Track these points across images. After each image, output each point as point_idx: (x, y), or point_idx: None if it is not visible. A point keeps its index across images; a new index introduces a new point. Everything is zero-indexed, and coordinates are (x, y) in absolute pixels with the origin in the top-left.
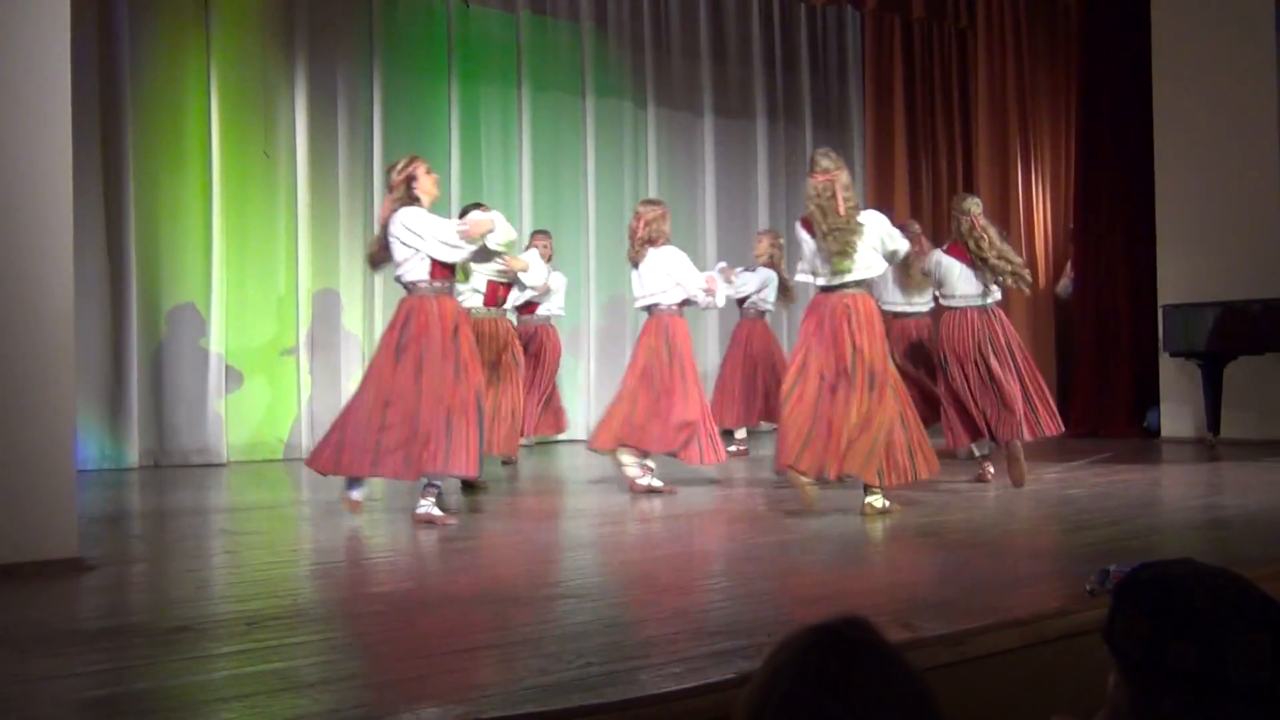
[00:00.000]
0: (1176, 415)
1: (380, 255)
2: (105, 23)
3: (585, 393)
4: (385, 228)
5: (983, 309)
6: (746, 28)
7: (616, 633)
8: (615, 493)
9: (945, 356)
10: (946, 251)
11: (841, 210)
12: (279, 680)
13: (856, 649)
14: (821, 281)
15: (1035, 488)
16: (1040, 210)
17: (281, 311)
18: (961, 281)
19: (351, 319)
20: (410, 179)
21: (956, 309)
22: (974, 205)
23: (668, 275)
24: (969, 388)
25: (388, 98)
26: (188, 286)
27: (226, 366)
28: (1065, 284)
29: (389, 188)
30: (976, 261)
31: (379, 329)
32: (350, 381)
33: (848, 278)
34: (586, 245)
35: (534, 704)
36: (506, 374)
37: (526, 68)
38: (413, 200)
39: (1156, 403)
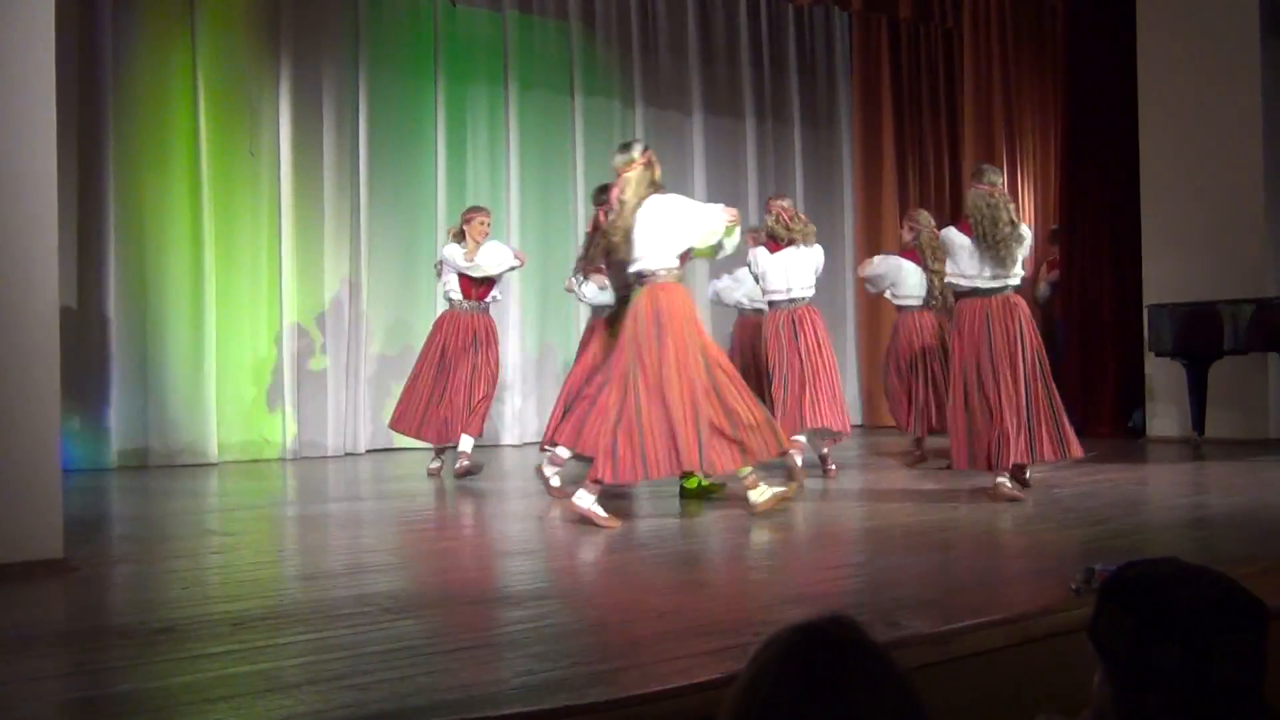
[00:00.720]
0: (1162, 415)
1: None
2: (88, 21)
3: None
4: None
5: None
6: (734, 27)
7: (602, 633)
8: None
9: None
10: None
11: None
12: (264, 681)
13: (842, 648)
14: (980, 284)
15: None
16: (1026, 211)
17: (267, 310)
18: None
19: (337, 317)
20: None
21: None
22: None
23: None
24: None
25: (373, 97)
26: (172, 285)
27: (211, 366)
28: (1043, 288)
29: None
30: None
31: (364, 327)
32: (338, 380)
33: (1010, 281)
34: (575, 245)
35: (519, 704)
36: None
37: (513, 67)
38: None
39: (1142, 402)
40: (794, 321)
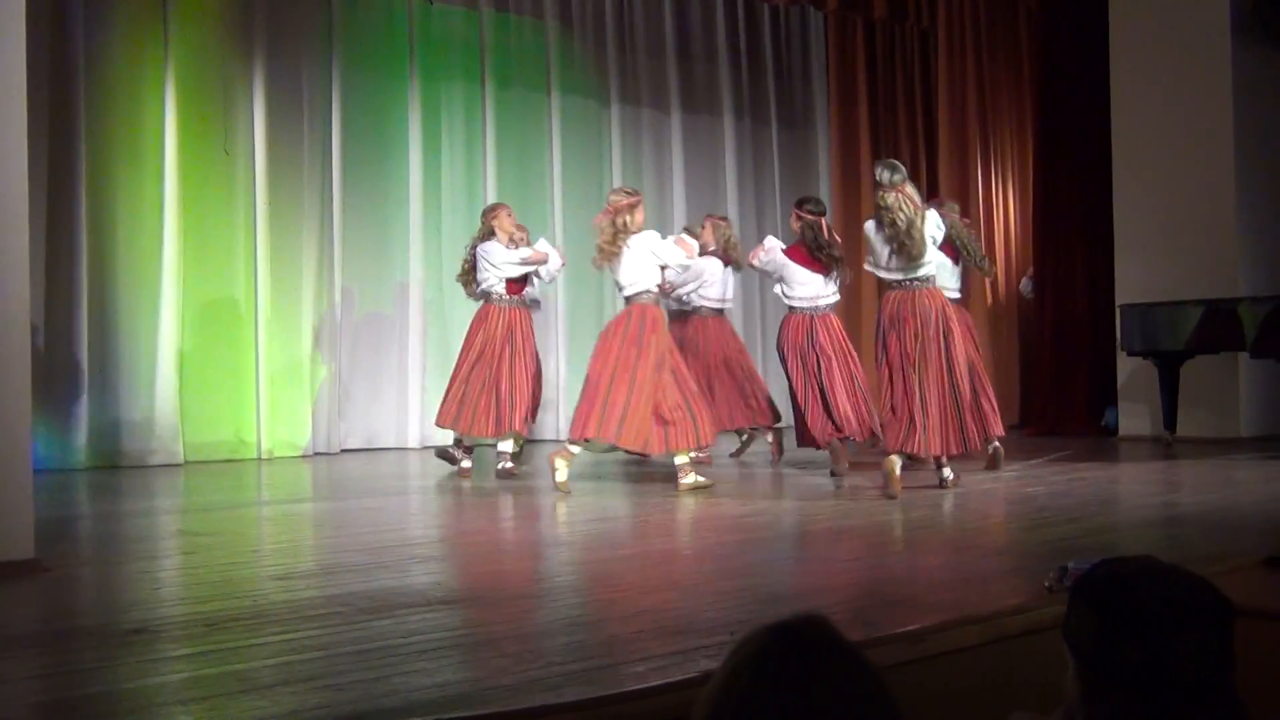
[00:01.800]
0: (1134, 414)
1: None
2: (59, 17)
3: (555, 387)
4: None
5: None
6: (711, 26)
7: (578, 632)
8: (581, 491)
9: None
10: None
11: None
12: (238, 682)
13: (815, 647)
14: (889, 276)
15: (995, 485)
16: (1001, 210)
17: (240, 309)
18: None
19: (311, 316)
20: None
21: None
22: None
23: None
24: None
25: (348, 96)
26: (145, 284)
27: (183, 365)
28: (1026, 283)
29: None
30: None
31: (339, 326)
32: (313, 380)
33: (915, 275)
34: (554, 243)
35: (495, 704)
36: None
37: (490, 65)
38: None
39: (1114, 401)
40: (813, 326)
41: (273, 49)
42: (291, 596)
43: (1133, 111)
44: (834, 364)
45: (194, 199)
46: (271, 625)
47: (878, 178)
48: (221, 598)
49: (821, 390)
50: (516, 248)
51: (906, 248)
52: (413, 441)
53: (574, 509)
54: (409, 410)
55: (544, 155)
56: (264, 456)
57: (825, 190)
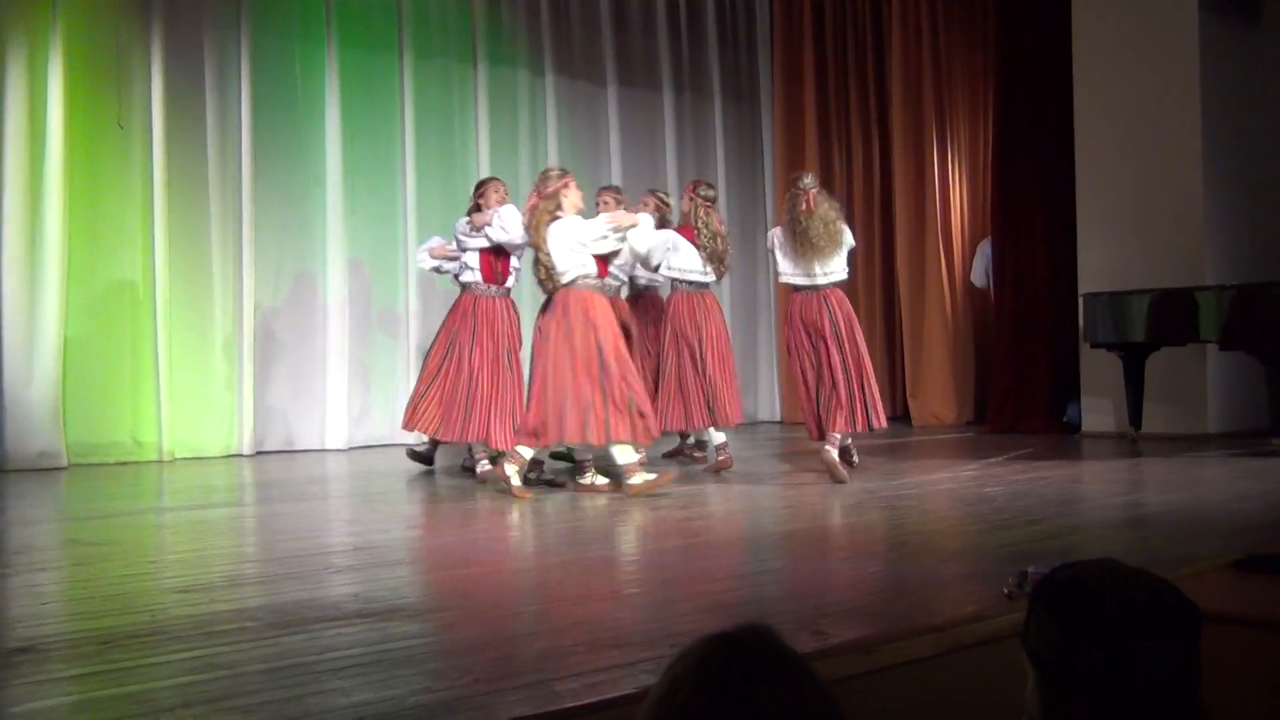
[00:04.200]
0: (1097, 409)
1: None
2: None
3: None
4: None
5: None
6: None
7: (507, 646)
8: (521, 497)
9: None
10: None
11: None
12: (135, 705)
13: (758, 657)
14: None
15: (951, 486)
16: (957, 193)
17: (138, 296)
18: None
19: (220, 305)
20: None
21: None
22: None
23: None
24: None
25: (257, 65)
26: (29, 272)
27: (69, 357)
28: (979, 265)
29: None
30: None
31: (247, 314)
32: (220, 373)
33: (818, 282)
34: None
35: None
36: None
37: (409, 34)
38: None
39: (1077, 396)
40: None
41: (173, 12)
42: (194, 611)
43: (1096, 89)
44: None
45: (84, 176)
46: (172, 642)
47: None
48: (116, 613)
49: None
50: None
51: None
52: (336, 443)
53: (507, 514)
54: (330, 408)
55: (469, 129)
56: (165, 459)
57: (769, 170)
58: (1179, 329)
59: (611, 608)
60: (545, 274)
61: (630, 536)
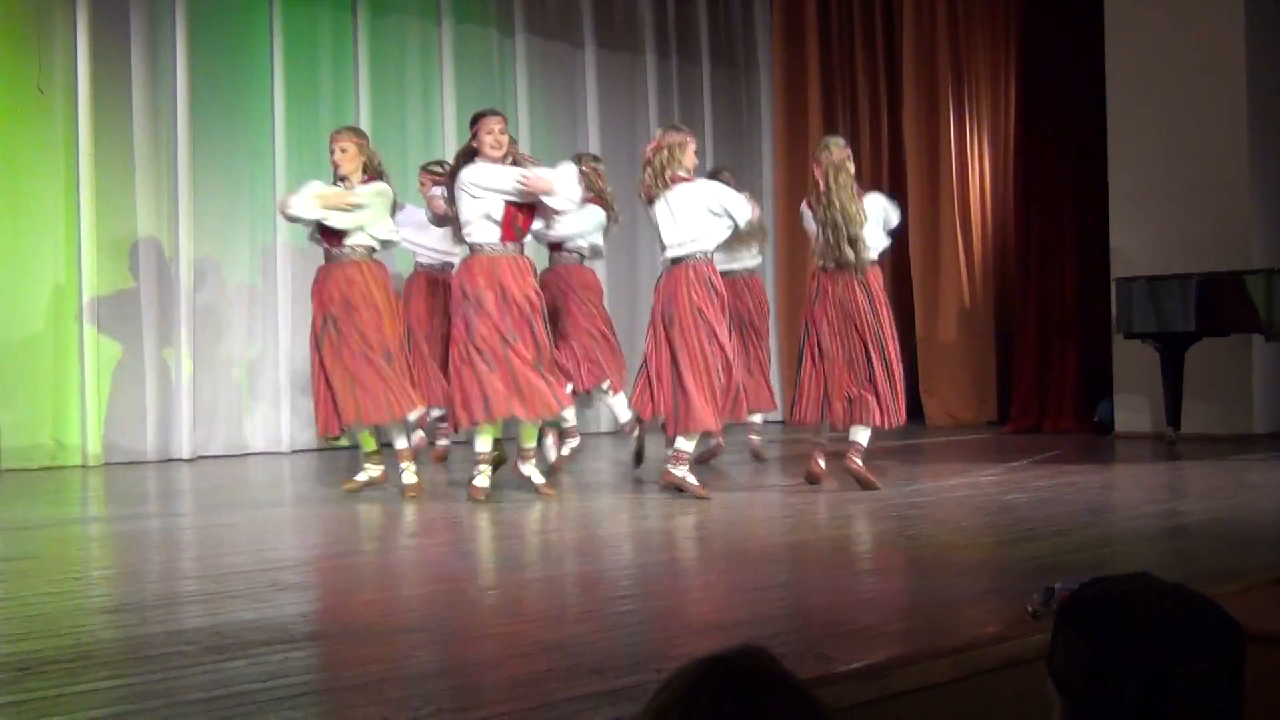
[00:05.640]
0: (1132, 407)
1: None
2: None
3: None
4: None
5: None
6: None
7: (474, 673)
8: (478, 503)
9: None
10: None
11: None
12: None
13: (754, 683)
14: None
15: (970, 493)
16: (976, 166)
17: (60, 284)
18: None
19: (155, 291)
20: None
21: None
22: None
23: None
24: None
25: (193, 23)
26: None
27: None
28: None
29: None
30: None
31: (184, 298)
32: (153, 367)
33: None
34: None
35: None
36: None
37: None
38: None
39: (1109, 393)
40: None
41: None
42: (124, 634)
43: (1130, 50)
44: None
45: (0, 148)
46: (99, 668)
47: None
48: (37, 636)
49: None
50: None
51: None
52: (283, 445)
53: (471, 525)
54: (281, 407)
55: (434, 92)
56: (90, 463)
57: (767, 140)
58: (1226, 317)
59: (591, 629)
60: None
61: (611, 549)
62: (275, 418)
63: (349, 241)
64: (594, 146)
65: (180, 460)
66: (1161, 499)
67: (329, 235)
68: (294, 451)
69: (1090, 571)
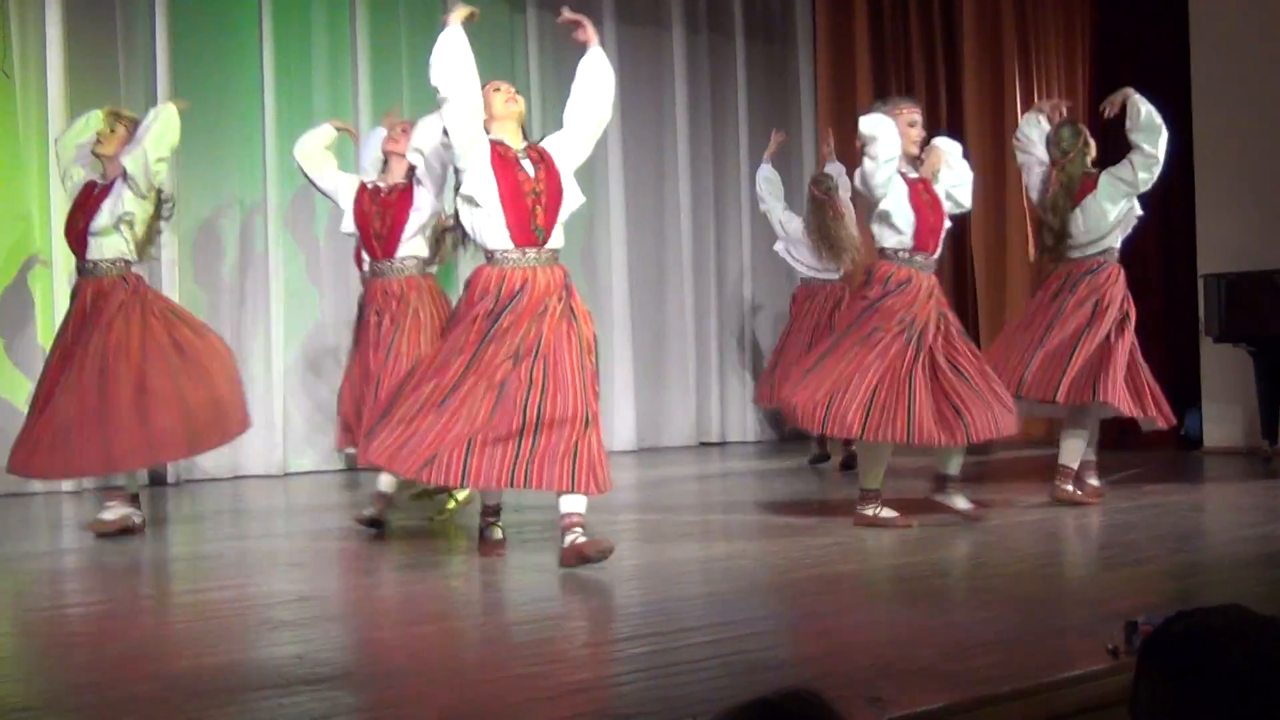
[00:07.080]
0: (1222, 419)
1: None
2: None
3: None
4: None
5: None
6: None
7: None
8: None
9: None
10: None
11: None
12: None
13: None
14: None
15: (1040, 516)
16: None
17: (33, 277)
18: None
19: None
20: None
21: None
22: None
23: None
24: None
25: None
26: None
27: None
28: None
29: None
30: None
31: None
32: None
33: None
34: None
35: None
36: None
37: None
38: None
39: (1197, 403)
40: None
41: None
42: (95, 678)
43: (1217, 24)
44: None
45: None
46: (71, 715)
47: None
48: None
49: None
50: None
51: None
52: (274, 468)
53: (480, 558)
54: (275, 424)
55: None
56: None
57: (809, 122)
58: None
59: (617, 672)
60: None
61: (639, 582)
62: (272, 436)
63: None
64: (614, 130)
65: (162, 485)
66: (1256, 522)
67: None
68: (284, 474)
69: (1177, 604)
